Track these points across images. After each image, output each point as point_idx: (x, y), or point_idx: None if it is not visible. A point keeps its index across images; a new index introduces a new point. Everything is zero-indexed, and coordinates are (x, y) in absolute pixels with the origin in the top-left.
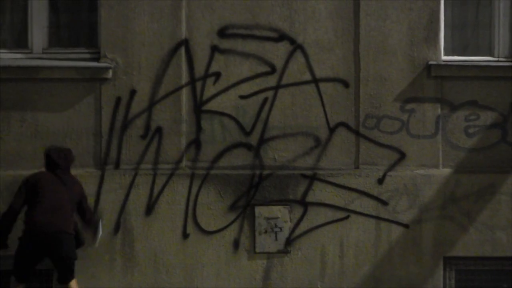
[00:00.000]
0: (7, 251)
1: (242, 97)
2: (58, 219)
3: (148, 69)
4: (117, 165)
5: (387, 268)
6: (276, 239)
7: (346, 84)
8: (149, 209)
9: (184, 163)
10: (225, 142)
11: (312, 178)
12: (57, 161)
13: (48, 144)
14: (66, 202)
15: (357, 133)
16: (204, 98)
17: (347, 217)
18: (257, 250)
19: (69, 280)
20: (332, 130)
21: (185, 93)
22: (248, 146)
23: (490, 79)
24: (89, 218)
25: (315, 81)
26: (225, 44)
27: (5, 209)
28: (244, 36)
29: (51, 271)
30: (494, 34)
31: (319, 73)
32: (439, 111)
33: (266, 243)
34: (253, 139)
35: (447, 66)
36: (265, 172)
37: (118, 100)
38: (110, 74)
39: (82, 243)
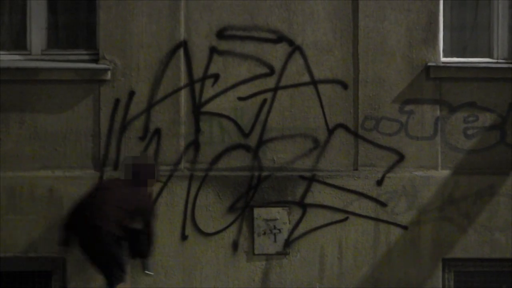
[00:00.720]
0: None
1: (241, 98)
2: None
3: (147, 70)
4: (116, 167)
5: (386, 270)
6: (275, 240)
7: (344, 86)
8: None
9: (183, 164)
10: (223, 143)
11: (311, 180)
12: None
13: (47, 145)
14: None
15: (356, 135)
16: (203, 99)
17: (346, 219)
18: (256, 251)
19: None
20: (331, 132)
21: (183, 95)
22: (246, 148)
23: (489, 81)
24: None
25: (314, 82)
26: (224, 45)
27: None
28: (242, 38)
29: (50, 273)
30: (493, 35)
31: (317, 75)
32: (438, 112)
33: (265, 244)
34: (252, 141)
35: (446, 67)
36: (264, 173)
37: (117, 101)
38: (108, 75)
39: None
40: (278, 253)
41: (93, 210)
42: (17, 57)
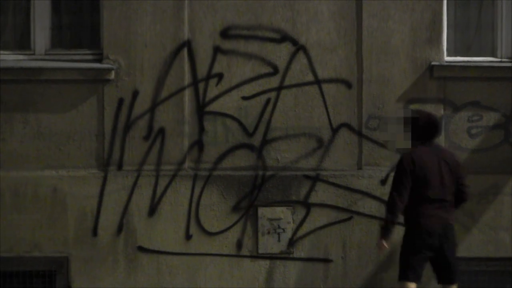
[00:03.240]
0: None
1: (245, 98)
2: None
3: (151, 70)
4: (119, 166)
5: (390, 269)
6: (279, 240)
7: (348, 85)
8: (152, 210)
9: (187, 164)
10: (227, 143)
11: (315, 179)
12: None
13: (51, 145)
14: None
15: (360, 134)
16: (207, 99)
17: (350, 218)
18: (260, 251)
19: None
20: (335, 131)
21: (187, 94)
22: (250, 147)
23: (493, 80)
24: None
25: (318, 82)
26: (228, 45)
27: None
28: (246, 37)
29: (54, 272)
30: (497, 34)
31: (321, 74)
32: (442, 111)
33: (269, 244)
34: (256, 140)
35: (450, 66)
36: (268, 173)
37: (121, 101)
38: (112, 75)
39: None
40: (282, 253)
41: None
42: (21, 57)
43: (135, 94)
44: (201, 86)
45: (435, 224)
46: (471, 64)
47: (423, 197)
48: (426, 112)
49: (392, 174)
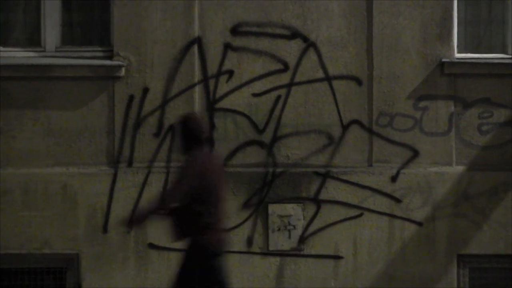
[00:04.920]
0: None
1: (255, 95)
2: None
3: (161, 67)
4: (130, 163)
5: (401, 266)
6: (289, 237)
7: (359, 82)
8: None
9: None
10: (238, 140)
11: (325, 176)
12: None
13: (61, 142)
14: None
15: (370, 131)
16: (217, 96)
17: (360, 215)
18: (271, 248)
19: None
20: (345, 128)
21: (198, 91)
22: (261, 144)
23: (503, 77)
24: None
25: (328, 78)
26: (238, 42)
27: None
28: (257, 34)
29: (65, 269)
30: (508, 31)
31: (332, 71)
32: (452, 108)
33: (279, 241)
34: (266, 137)
35: (460, 63)
36: (278, 170)
37: (131, 98)
38: (123, 72)
39: None
40: (292, 250)
41: None
42: (32, 54)
43: (145, 91)
44: (211, 83)
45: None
46: (482, 60)
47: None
48: (187, 115)
49: (403, 171)
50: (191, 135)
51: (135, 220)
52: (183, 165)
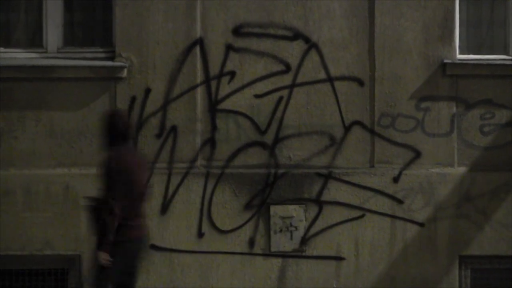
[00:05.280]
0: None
1: (257, 96)
2: None
3: (163, 68)
4: None
5: (403, 267)
6: (291, 238)
7: (361, 83)
8: (164, 208)
9: (199, 162)
10: (240, 141)
11: (327, 177)
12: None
13: (63, 143)
14: None
15: (372, 132)
16: (219, 97)
17: (362, 216)
18: (272, 249)
19: None
20: (347, 129)
21: (200, 92)
22: (263, 145)
23: (505, 78)
24: None
25: (330, 79)
26: (240, 42)
27: None
28: (258, 35)
29: (66, 270)
30: (509, 32)
31: (334, 72)
32: (454, 109)
33: (281, 242)
34: (268, 138)
35: (462, 64)
36: (280, 171)
37: (133, 99)
38: (125, 73)
39: None
40: (294, 251)
41: None
42: (33, 55)
43: (147, 92)
44: (213, 84)
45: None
46: (484, 62)
47: None
48: (112, 111)
49: (405, 172)
50: (115, 131)
51: (106, 250)
52: (105, 161)
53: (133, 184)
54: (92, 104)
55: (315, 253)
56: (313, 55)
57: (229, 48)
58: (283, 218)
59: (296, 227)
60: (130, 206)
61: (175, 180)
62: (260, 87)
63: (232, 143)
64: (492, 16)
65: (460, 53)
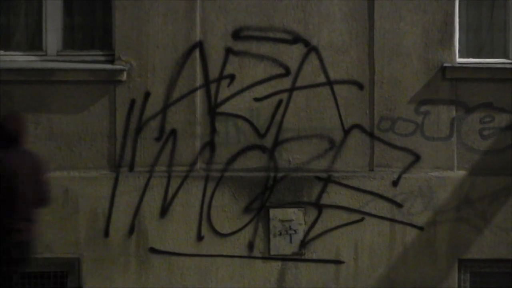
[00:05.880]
0: None
1: (257, 99)
2: None
3: (163, 71)
4: (131, 168)
5: (402, 271)
6: (290, 241)
7: (360, 86)
8: (164, 211)
9: (199, 165)
10: (239, 144)
11: (327, 181)
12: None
13: (63, 146)
14: None
15: (371, 135)
16: (219, 100)
17: (361, 220)
18: (272, 252)
19: None
20: (346, 132)
21: (199, 95)
22: (262, 149)
23: (504, 81)
24: None
25: (330, 83)
26: (240, 46)
27: None
28: (258, 38)
29: (66, 273)
30: (509, 36)
31: (333, 75)
32: (454, 113)
33: (280, 245)
34: (268, 142)
35: (462, 68)
36: (280, 174)
37: (133, 102)
38: (124, 76)
39: None
40: (293, 254)
41: None
42: (33, 58)
43: (147, 95)
44: (213, 87)
45: None
46: (483, 65)
47: None
48: (8, 114)
49: (404, 175)
50: (8, 135)
51: None
52: None
53: (15, 190)
54: (92, 107)
55: (314, 257)
56: (313, 59)
57: (228, 51)
58: (282, 221)
59: (295, 231)
60: (14, 210)
61: (174, 183)
62: (260, 91)
63: (231, 147)
64: (492, 19)
65: (460, 56)
